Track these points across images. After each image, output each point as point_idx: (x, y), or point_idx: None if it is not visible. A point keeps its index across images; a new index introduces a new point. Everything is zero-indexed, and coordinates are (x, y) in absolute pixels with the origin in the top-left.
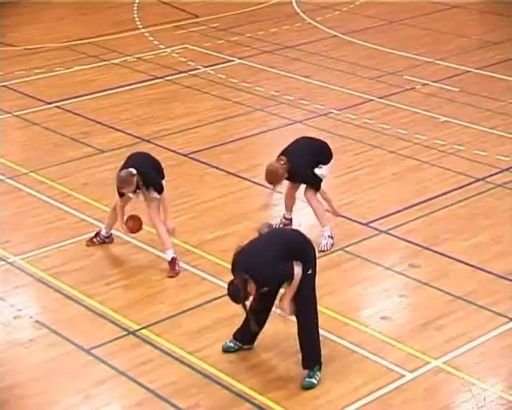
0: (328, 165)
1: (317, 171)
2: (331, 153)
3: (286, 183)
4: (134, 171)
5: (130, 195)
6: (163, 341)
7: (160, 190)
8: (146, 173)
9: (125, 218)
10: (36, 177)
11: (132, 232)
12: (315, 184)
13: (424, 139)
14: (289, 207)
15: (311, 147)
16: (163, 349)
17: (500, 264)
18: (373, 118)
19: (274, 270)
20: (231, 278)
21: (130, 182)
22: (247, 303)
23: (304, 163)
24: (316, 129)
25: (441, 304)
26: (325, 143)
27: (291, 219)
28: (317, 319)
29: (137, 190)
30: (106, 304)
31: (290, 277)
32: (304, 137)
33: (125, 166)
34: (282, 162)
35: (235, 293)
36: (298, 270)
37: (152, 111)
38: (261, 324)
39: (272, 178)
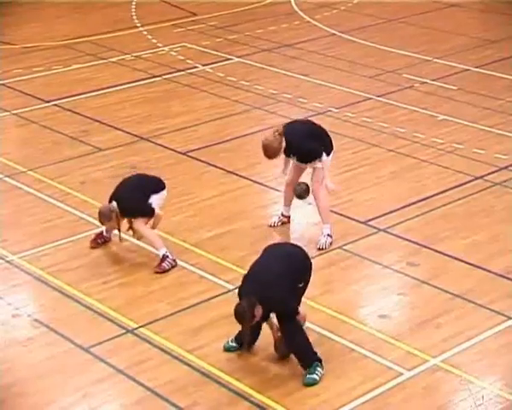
0: (329, 157)
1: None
2: (332, 144)
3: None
4: (114, 205)
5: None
6: (161, 339)
7: (148, 214)
8: (127, 207)
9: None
10: (34, 175)
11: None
12: (313, 152)
13: (423, 138)
14: (288, 200)
15: (310, 128)
16: (161, 348)
17: (498, 262)
18: (371, 116)
19: (282, 298)
20: (229, 276)
21: (109, 217)
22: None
23: (300, 133)
24: None
25: (439, 302)
26: (328, 134)
27: (289, 217)
28: (300, 326)
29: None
30: (104, 302)
31: (295, 310)
32: (308, 120)
33: (111, 196)
34: (277, 133)
35: (242, 315)
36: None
37: (150, 109)
38: (255, 336)
39: (268, 151)
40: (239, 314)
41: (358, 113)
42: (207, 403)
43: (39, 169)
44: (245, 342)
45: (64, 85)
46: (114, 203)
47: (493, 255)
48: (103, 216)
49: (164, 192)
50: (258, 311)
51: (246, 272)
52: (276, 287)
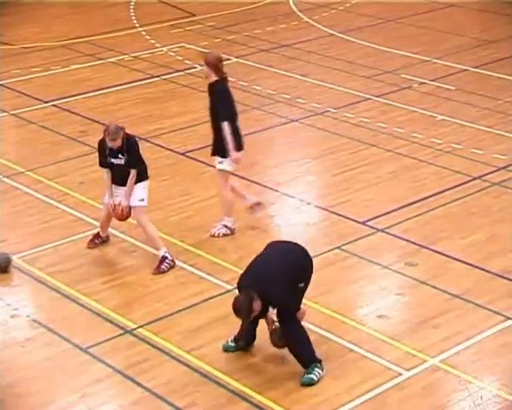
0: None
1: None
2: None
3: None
4: (123, 126)
5: (115, 161)
6: (160, 339)
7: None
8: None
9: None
10: (33, 176)
11: (120, 219)
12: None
13: (421, 138)
14: (241, 195)
15: None
16: (160, 348)
17: (497, 262)
18: (370, 117)
19: (282, 294)
20: (228, 276)
21: (116, 135)
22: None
23: None
24: (313, 128)
25: (438, 302)
26: None
27: (258, 202)
28: (301, 325)
29: (120, 156)
30: (103, 303)
31: (295, 309)
32: None
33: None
34: None
35: (242, 308)
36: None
37: (149, 110)
38: (254, 335)
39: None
40: (238, 308)
41: (357, 113)
42: (206, 403)
43: (38, 169)
44: (243, 336)
45: (63, 86)
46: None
47: (492, 255)
48: (114, 131)
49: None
50: (257, 305)
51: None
52: (275, 283)
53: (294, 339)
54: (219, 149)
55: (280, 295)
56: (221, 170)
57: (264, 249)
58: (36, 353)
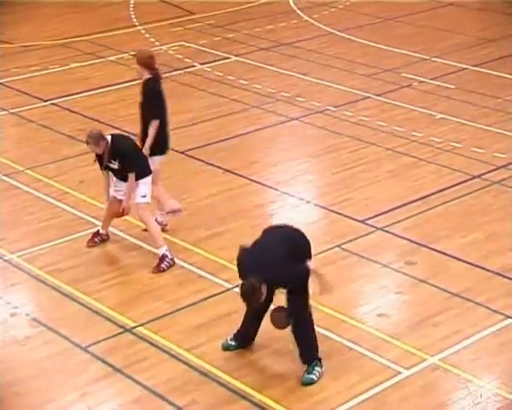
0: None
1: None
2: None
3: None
4: (108, 137)
5: (110, 165)
6: (160, 338)
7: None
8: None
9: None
10: (32, 174)
11: (117, 216)
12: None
13: (421, 136)
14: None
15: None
16: (160, 347)
17: (496, 261)
18: (369, 115)
19: (286, 271)
20: (227, 275)
21: (97, 142)
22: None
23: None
24: (312, 126)
25: (438, 301)
26: None
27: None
28: (310, 314)
29: (112, 161)
30: (102, 302)
31: (303, 278)
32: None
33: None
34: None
35: (250, 294)
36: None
37: None
38: (255, 333)
39: None
40: (247, 292)
41: (356, 111)
42: (206, 402)
43: (37, 168)
44: (245, 330)
45: (62, 84)
46: (109, 137)
47: (491, 254)
48: (92, 138)
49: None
50: (264, 288)
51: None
52: (279, 268)
53: (304, 333)
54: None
55: (285, 279)
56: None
57: (263, 235)
58: (35, 351)
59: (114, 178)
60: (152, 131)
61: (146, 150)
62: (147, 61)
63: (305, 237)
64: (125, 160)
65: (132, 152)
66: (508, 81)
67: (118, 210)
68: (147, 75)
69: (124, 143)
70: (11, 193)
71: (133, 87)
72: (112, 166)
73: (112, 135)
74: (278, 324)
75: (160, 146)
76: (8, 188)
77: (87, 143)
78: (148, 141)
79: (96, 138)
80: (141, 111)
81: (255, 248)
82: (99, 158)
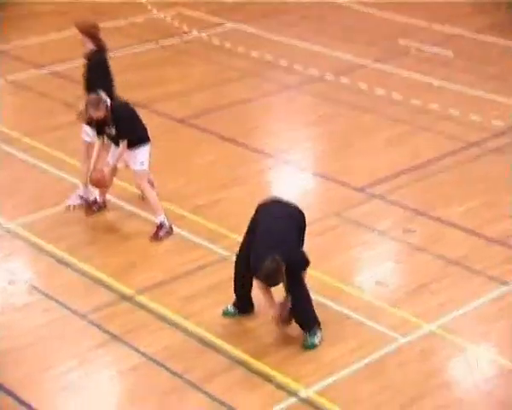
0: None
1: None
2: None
3: None
4: (107, 99)
5: (108, 131)
6: (158, 306)
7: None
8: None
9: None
10: (29, 142)
11: (95, 185)
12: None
13: (418, 104)
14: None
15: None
16: (157, 314)
17: (493, 228)
18: (367, 82)
19: (301, 255)
20: (226, 242)
21: (97, 106)
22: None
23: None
24: (310, 94)
25: (435, 269)
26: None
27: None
28: (307, 289)
29: (110, 127)
30: (100, 269)
31: (307, 265)
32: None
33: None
34: None
35: (275, 272)
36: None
37: (145, 76)
38: (252, 303)
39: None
40: (271, 275)
41: (354, 79)
42: (203, 369)
43: (34, 136)
44: (242, 303)
45: (59, 51)
46: (108, 100)
47: (488, 222)
48: (91, 103)
49: (150, 145)
50: (284, 267)
51: (242, 238)
52: (293, 247)
53: (303, 303)
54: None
55: (300, 258)
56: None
57: (265, 217)
58: (34, 319)
59: (112, 146)
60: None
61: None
62: (90, 31)
63: (300, 210)
64: (120, 126)
65: (129, 118)
66: (506, 48)
67: (96, 177)
68: (90, 46)
69: (122, 108)
70: (8, 161)
71: (130, 54)
72: (109, 131)
73: (111, 100)
74: (284, 322)
75: None
76: (4, 156)
77: (86, 109)
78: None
79: (95, 102)
80: (85, 84)
81: (264, 234)
82: (97, 124)
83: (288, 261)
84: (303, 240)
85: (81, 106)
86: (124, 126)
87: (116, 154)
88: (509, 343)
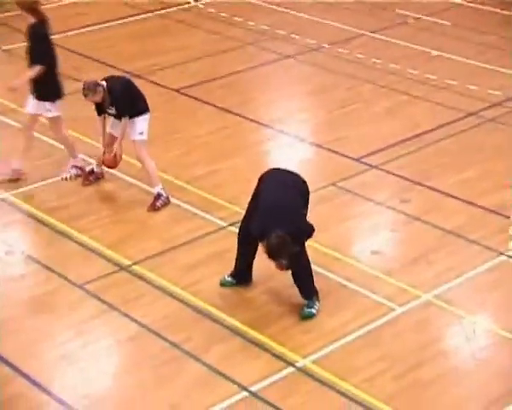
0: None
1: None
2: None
3: None
4: (103, 83)
5: (109, 111)
6: (155, 276)
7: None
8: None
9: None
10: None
11: (108, 166)
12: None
13: (416, 74)
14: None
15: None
16: (155, 284)
17: (490, 198)
18: (365, 52)
19: (305, 226)
20: (223, 213)
21: (94, 90)
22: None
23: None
24: (307, 64)
25: (432, 239)
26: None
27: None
28: (308, 257)
29: (110, 107)
30: (97, 240)
31: (312, 233)
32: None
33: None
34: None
35: (283, 249)
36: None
37: (143, 46)
38: (251, 273)
39: None
40: (279, 249)
41: (351, 49)
42: (201, 339)
43: None
44: (240, 273)
45: (56, 21)
46: (104, 83)
47: (485, 192)
48: (89, 88)
49: (149, 114)
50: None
51: (241, 209)
52: (298, 218)
53: (304, 272)
54: (42, 94)
55: (304, 229)
56: (51, 118)
57: (268, 186)
58: (31, 289)
59: (112, 118)
60: (30, 73)
61: (14, 83)
62: (30, 6)
63: (302, 179)
64: (119, 105)
65: (127, 96)
66: (504, 18)
67: (110, 159)
68: (32, 19)
69: (116, 86)
70: (4, 132)
71: (127, 24)
72: (110, 111)
73: (106, 80)
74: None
75: (53, 91)
76: (2, 126)
77: (85, 95)
78: (19, 81)
79: (92, 87)
80: (28, 57)
81: (268, 204)
82: (97, 106)
83: (292, 230)
84: (307, 208)
85: (17, 82)
86: (123, 105)
87: (119, 131)
88: (505, 312)
